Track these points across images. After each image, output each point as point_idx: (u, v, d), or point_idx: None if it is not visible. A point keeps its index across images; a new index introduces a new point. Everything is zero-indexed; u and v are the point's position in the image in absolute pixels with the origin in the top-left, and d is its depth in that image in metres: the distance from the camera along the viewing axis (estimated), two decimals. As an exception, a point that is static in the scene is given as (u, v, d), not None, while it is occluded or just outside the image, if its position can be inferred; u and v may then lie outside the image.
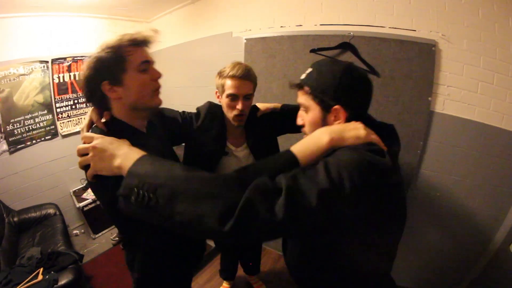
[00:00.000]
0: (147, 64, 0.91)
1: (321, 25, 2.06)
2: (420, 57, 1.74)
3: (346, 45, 1.89)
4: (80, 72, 0.92)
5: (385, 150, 0.71)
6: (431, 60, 1.73)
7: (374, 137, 0.74)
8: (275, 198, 0.57)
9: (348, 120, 0.79)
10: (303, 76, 0.85)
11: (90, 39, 3.07)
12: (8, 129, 2.64)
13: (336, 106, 0.78)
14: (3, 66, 2.57)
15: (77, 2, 2.55)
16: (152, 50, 2.98)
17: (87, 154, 0.77)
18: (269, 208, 0.56)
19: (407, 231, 1.98)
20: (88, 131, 0.93)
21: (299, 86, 0.85)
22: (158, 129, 1.16)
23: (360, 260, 0.76)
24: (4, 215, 2.54)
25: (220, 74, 1.31)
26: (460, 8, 1.67)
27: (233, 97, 1.29)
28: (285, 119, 1.45)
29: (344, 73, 0.78)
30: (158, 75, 0.95)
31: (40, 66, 2.77)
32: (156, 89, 0.95)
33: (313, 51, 1.99)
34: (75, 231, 3.03)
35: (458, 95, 1.74)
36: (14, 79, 2.64)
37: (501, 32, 1.61)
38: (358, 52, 1.86)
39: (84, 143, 0.78)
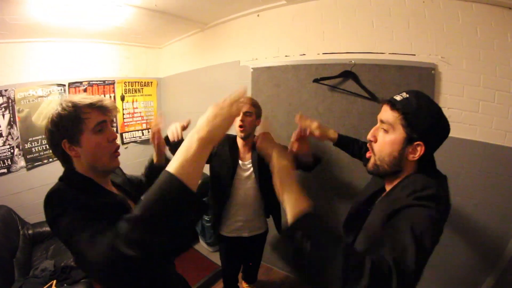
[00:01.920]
0: (103, 124, 0.93)
1: (323, 53, 2.14)
2: (420, 82, 1.78)
3: (348, 73, 1.96)
4: (44, 126, 0.93)
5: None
6: (430, 84, 1.76)
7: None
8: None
9: (420, 157, 0.83)
10: (398, 98, 0.85)
11: (105, 64, 3.24)
12: (26, 147, 2.78)
13: (419, 142, 0.81)
14: (23, 88, 2.72)
15: (93, 29, 2.71)
16: (163, 75, 3.15)
17: None
18: None
19: None
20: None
21: (393, 105, 0.86)
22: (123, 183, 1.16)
23: None
24: (19, 227, 2.64)
25: None
26: (458, 28, 1.70)
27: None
28: None
29: (441, 116, 0.84)
30: (113, 136, 0.96)
31: (57, 89, 2.92)
32: (114, 151, 0.97)
33: (316, 81, 2.07)
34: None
35: (459, 116, 1.74)
36: (33, 100, 2.79)
37: (500, 48, 1.63)
38: (359, 80, 1.93)
39: None
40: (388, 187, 0.95)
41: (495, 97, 1.66)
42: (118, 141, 3.29)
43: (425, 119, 0.81)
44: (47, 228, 2.76)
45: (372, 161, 0.92)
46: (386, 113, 0.87)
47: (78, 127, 0.89)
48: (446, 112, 1.68)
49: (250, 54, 2.59)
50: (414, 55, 1.81)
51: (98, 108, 0.92)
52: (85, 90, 3.11)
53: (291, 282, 2.57)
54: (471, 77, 1.70)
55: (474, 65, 1.68)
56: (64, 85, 2.96)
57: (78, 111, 0.89)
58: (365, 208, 1.04)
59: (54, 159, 2.92)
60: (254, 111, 1.80)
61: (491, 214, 1.74)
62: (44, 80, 2.85)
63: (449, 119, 1.71)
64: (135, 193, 1.14)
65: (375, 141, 0.90)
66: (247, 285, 2.42)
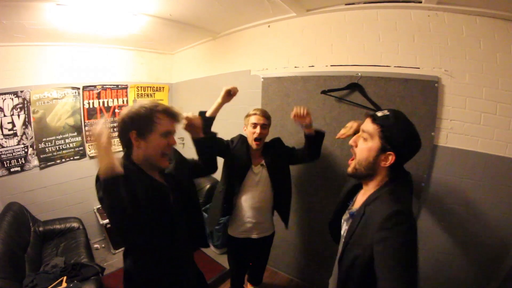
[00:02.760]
0: (169, 133, 1.17)
1: (331, 66, 2.19)
2: (424, 94, 1.82)
3: (354, 85, 2.02)
4: (120, 114, 1.18)
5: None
6: (434, 96, 1.80)
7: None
8: None
9: (391, 166, 0.99)
10: (379, 114, 1.02)
11: (118, 69, 3.35)
12: (40, 147, 2.88)
13: (391, 152, 0.97)
14: (38, 89, 2.82)
15: (107, 35, 2.81)
16: (175, 81, 3.22)
17: None
18: None
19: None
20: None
21: (374, 118, 1.02)
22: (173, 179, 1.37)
23: None
24: (31, 224, 2.71)
25: (247, 114, 1.97)
26: (462, 42, 1.73)
27: (254, 125, 1.90)
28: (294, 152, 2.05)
29: (414, 132, 1.00)
30: (173, 142, 1.20)
31: (72, 91, 3.03)
32: (166, 154, 1.19)
33: (324, 92, 2.13)
34: (96, 245, 3.18)
35: (461, 128, 1.77)
36: (48, 102, 2.89)
37: (502, 61, 1.65)
38: (366, 92, 1.99)
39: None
40: (364, 187, 1.13)
41: (497, 109, 1.68)
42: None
43: (398, 134, 0.97)
44: (58, 226, 2.88)
45: (352, 165, 1.08)
46: (368, 125, 1.03)
47: (149, 126, 1.13)
48: (448, 124, 1.86)
49: (261, 64, 2.64)
50: (419, 68, 1.85)
51: (169, 115, 1.17)
52: (98, 94, 3.21)
53: (294, 286, 2.62)
54: (473, 90, 1.73)
55: (477, 78, 1.71)
56: (79, 88, 3.07)
57: (152, 114, 1.13)
58: (345, 202, 1.27)
59: (67, 159, 3.04)
60: (268, 123, 1.95)
61: (492, 224, 1.76)
62: (59, 82, 2.95)
63: (451, 131, 1.82)
64: (188, 174, 1.47)
65: (356, 146, 1.07)
66: (252, 287, 2.47)
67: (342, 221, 1.21)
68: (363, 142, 1.04)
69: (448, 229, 1.89)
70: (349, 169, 1.10)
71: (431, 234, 1.94)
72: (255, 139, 1.91)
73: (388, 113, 1.01)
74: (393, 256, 0.85)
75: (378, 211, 0.95)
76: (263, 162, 1.98)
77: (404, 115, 1.03)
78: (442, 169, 1.86)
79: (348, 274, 1.05)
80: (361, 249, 0.98)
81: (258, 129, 1.88)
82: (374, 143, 1.00)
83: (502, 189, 1.72)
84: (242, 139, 2.01)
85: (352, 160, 1.09)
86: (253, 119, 1.91)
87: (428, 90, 1.82)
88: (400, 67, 1.92)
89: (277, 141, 2.08)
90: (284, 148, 2.08)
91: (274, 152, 2.01)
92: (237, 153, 1.96)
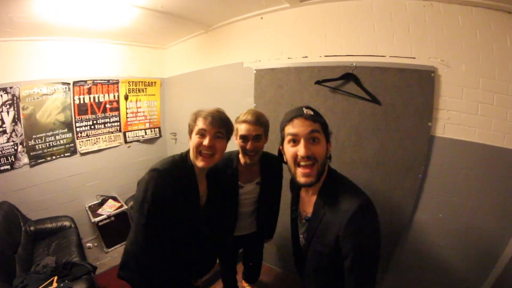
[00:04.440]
0: (203, 131, 1.25)
1: (325, 56, 2.16)
2: (420, 84, 1.80)
3: (349, 75, 1.98)
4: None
5: None
6: (430, 86, 1.78)
7: None
8: None
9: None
10: (312, 113, 1.02)
11: (109, 64, 3.28)
12: (30, 144, 2.81)
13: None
14: (28, 85, 2.75)
15: (99, 29, 2.75)
16: (167, 76, 3.18)
17: None
18: None
19: (412, 253, 1.97)
20: None
21: (315, 119, 1.02)
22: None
23: None
24: (21, 224, 2.66)
25: (236, 120, 1.57)
26: (458, 32, 1.71)
27: (244, 138, 1.54)
28: None
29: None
30: (206, 143, 1.24)
31: (62, 87, 2.96)
32: (200, 152, 1.26)
33: (318, 82, 2.09)
34: (88, 244, 3.13)
35: (458, 118, 1.75)
36: (37, 98, 2.82)
37: (499, 52, 1.63)
38: (361, 82, 1.95)
39: None
40: (306, 189, 1.17)
41: (494, 100, 1.67)
42: (121, 139, 3.40)
43: (324, 121, 1.05)
44: (49, 225, 2.83)
45: (315, 171, 1.01)
46: (313, 127, 1.00)
47: (191, 127, 1.30)
48: (445, 114, 1.79)
49: (254, 56, 2.61)
50: (414, 58, 1.83)
51: (204, 118, 1.25)
52: (89, 89, 3.15)
53: (290, 281, 2.58)
54: (470, 80, 1.71)
55: (473, 68, 1.69)
56: (69, 84, 3.00)
57: (194, 117, 1.29)
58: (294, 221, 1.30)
59: (58, 156, 2.99)
60: (263, 132, 1.57)
61: (489, 215, 1.75)
62: (49, 78, 2.88)
63: (448, 121, 1.80)
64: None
65: (314, 154, 1.00)
66: (247, 285, 2.42)
67: (300, 235, 1.23)
68: (317, 147, 1.03)
69: (446, 222, 1.87)
70: (311, 179, 1.01)
71: (429, 227, 1.93)
72: (247, 153, 1.55)
73: (308, 109, 1.06)
74: (366, 249, 0.95)
75: (342, 207, 0.98)
76: (259, 180, 1.71)
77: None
78: (440, 160, 1.84)
79: (316, 270, 1.13)
80: (324, 246, 1.03)
81: (249, 145, 1.52)
82: (323, 142, 1.03)
83: (500, 180, 1.70)
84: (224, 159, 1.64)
85: (312, 168, 1.00)
86: (242, 130, 1.52)
87: (424, 80, 1.80)
88: (395, 57, 1.89)
89: (279, 164, 1.78)
90: (280, 174, 1.82)
91: (272, 172, 1.76)
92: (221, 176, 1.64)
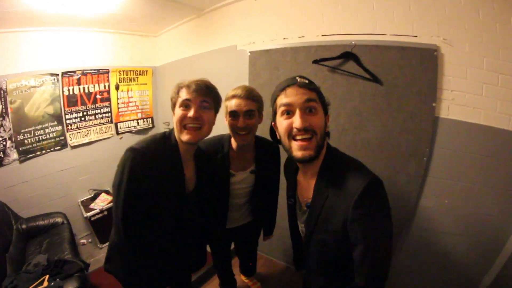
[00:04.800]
0: (187, 101, 1.11)
1: (322, 35, 2.08)
2: (423, 63, 1.73)
3: (348, 54, 1.90)
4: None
5: None
6: (433, 65, 1.71)
7: None
8: None
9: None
10: (306, 81, 0.90)
11: (99, 53, 3.17)
12: (19, 139, 2.72)
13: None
14: (15, 78, 2.66)
15: (86, 16, 2.64)
16: (159, 64, 3.06)
17: None
18: None
19: (417, 241, 1.92)
20: None
21: (310, 87, 0.92)
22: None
23: None
24: (13, 222, 2.59)
25: (225, 98, 1.40)
26: (460, 10, 1.65)
27: (234, 115, 1.37)
28: None
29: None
30: (191, 114, 1.10)
31: (50, 78, 2.85)
32: (185, 125, 1.12)
33: (315, 62, 2.00)
34: (82, 240, 3.05)
35: (463, 99, 1.70)
36: (25, 91, 2.73)
37: (502, 32, 1.58)
38: (360, 61, 1.87)
39: None
40: (304, 171, 1.05)
41: (499, 80, 1.62)
42: (113, 131, 3.31)
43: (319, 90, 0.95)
44: (41, 222, 2.76)
45: (314, 144, 0.89)
46: (309, 96, 0.90)
47: (174, 100, 1.16)
48: (449, 94, 1.73)
49: (248, 38, 2.54)
50: (416, 36, 1.76)
51: (187, 87, 1.12)
52: (78, 80, 3.04)
53: (291, 273, 2.51)
54: (474, 60, 1.65)
55: (477, 48, 1.64)
56: (57, 75, 2.90)
57: (177, 88, 1.15)
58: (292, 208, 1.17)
59: (48, 150, 2.90)
60: (256, 107, 1.41)
61: (496, 200, 1.70)
62: (36, 69, 2.79)
63: (452, 102, 1.73)
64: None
65: (311, 127, 0.89)
66: (245, 278, 2.35)
67: (301, 225, 1.09)
68: (314, 118, 0.91)
69: (452, 208, 1.81)
70: (310, 152, 0.89)
71: (434, 214, 1.87)
72: (238, 132, 1.38)
73: (302, 78, 0.96)
74: (379, 233, 0.83)
75: (347, 187, 0.85)
76: (253, 168, 1.56)
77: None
78: (445, 142, 1.78)
79: (320, 262, 1.00)
80: (328, 234, 0.91)
81: (240, 122, 1.35)
82: (321, 112, 0.93)
83: (507, 164, 1.65)
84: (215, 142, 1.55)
85: (310, 141, 0.89)
86: (232, 105, 1.36)
87: (427, 59, 1.72)
88: (396, 35, 1.82)
89: (276, 151, 1.65)
90: (278, 163, 1.68)
91: (268, 160, 1.61)
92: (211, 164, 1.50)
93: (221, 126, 1.44)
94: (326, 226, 0.91)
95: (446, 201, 1.82)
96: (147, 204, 1.08)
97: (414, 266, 1.99)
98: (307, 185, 1.02)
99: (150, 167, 1.07)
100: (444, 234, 1.86)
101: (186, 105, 1.10)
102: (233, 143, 1.49)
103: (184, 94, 1.11)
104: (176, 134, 1.16)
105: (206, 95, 1.13)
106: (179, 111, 1.11)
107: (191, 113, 1.09)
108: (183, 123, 1.11)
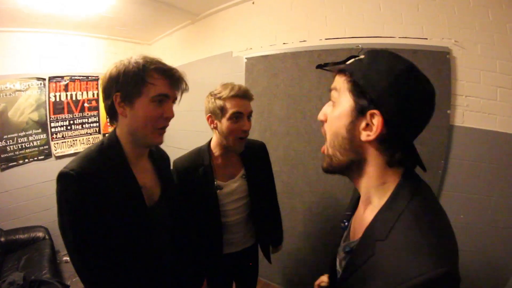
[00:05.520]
0: (164, 97, 0.88)
1: (326, 39, 2.00)
2: (435, 67, 1.64)
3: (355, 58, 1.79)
4: (106, 71, 0.89)
5: None
6: (446, 69, 1.63)
7: None
8: None
9: (384, 138, 0.56)
10: (350, 61, 0.62)
11: (89, 59, 3.05)
12: (0, 145, 2.55)
13: (374, 111, 0.55)
14: (0, 80, 2.52)
15: (76, 19, 2.54)
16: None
17: None
18: None
19: None
20: None
21: (340, 70, 0.63)
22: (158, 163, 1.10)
23: None
24: (-9, 234, 2.42)
25: (216, 96, 1.23)
26: (470, 12, 1.61)
27: (238, 116, 1.21)
28: None
29: (406, 72, 0.55)
30: (170, 114, 0.91)
31: (37, 83, 2.71)
32: (161, 128, 0.91)
33: (319, 66, 1.87)
34: (65, 258, 2.82)
35: (478, 105, 1.63)
36: (10, 94, 2.58)
37: None
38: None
39: None
40: (364, 196, 0.66)
41: None
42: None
43: (379, 76, 0.55)
44: (21, 236, 2.57)
45: (325, 152, 0.66)
46: (335, 81, 0.64)
47: (138, 88, 0.84)
48: (463, 100, 1.61)
49: (244, 44, 2.44)
50: (426, 39, 1.69)
51: (168, 76, 0.89)
52: (66, 86, 2.90)
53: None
54: (487, 62, 1.59)
55: (489, 50, 1.58)
56: (44, 79, 2.76)
57: (145, 72, 0.84)
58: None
59: (31, 159, 2.71)
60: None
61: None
62: (22, 73, 2.66)
63: (467, 108, 1.61)
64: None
65: (326, 120, 0.66)
66: None
67: (337, 262, 0.75)
68: (332, 110, 0.64)
69: (468, 223, 1.70)
70: (323, 163, 0.67)
71: None
72: (242, 136, 1.26)
73: (363, 56, 0.61)
74: None
75: (395, 261, 0.50)
76: (243, 172, 1.39)
77: (392, 52, 0.59)
78: (460, 153, 1.68)
79: None
80: None
81: (246, 125, 1.23)
82: (345, 105, 0.59)
83: None
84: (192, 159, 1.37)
85: (324, 147, 0.67)
86: (235, 106, 1.21)
87: (439, 62, 1.64)
88: (406, 37, 1.75)
89: (263, 149, 1.53)
90: (267, 162, 1.55)
91: (257, 160, 1.46)
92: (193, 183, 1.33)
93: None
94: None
95: (461, 216, 1.70)
96: (107, 238, 0.84)
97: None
98: (360, 220, 0.68)
99: (93, 191, 0.82)
100: (461, 251, 1.70)
101: (160, 100, 0.89)
102: (216, 151, 1.33)
103: (161, 85, 0.89)
104: (140, 135, 0.90)
105: (179, 89, 0.98)
106: (150, 107, 0.88)
107: (168, 112, 0.91)
108: (156, 124, 0.90)
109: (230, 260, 1.47)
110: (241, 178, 1.37)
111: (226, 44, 2.59)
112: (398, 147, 0.57)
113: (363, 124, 0.57)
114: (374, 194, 0.62)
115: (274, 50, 2.20)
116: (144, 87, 0.84)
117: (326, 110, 0.66)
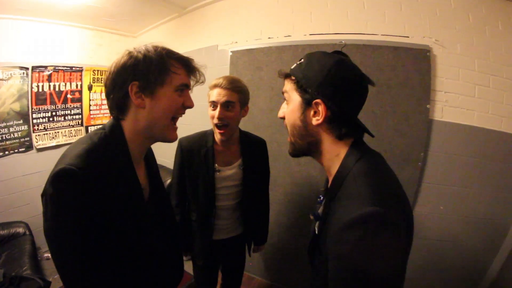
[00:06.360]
0: (185, 87, 0.86)
1: (310, 34, 2.03)
2: (416, 64, 1.70)
3: (338, 53, 1.82)
4: (117, 59, 0.81)
5: None
6: (427, 66, 1.69)
7: None
8: None
9: (330, 119, 0.70)
10: (293, 66, 0.79)
11: (73, 50, 2.98)
12: (-20, 137, 2.46)
13: (317, 100, 0.70)
14: (-19, 69, 2.42)
15: (62, 8, 2.47)
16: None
17: None
18: None
19: (413, 252, 1.85)
20: None
21: (287, 75, 0.79)
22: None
23: None
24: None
25: (209, 87, 1.33)
26: (451, 13, 1.69)
27: (213, 105, 1.31)
28: None
29: (335, 65, 0.70)
30: (190, 104, 0.88)
31: (19, 72, 2.62)
32: (176, 118, 0.88)
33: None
34: (46, 254, 2.75)
35: (456, 100, 1.71)
36: (-9, 84, 2.48)
37: (492, 35, 1.63)
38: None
39: None
40: (327, 174, 0.83)
41: (490, 82, 1.66)
42: (83, 134, 3.06)
43: (315, 73, 0.71)
44: (1, 232, 2.48)
45: (288, 140, 0.83)
46: (285, 85, 0.81)
47: (161, 77, 0.80)
48: (443, 96, 1.68)
49: (230, 37, 2.46)
50: (408, 37, 1.76)
51: (187, 66, 0.86)
52: (49, 76, 2.82)
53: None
54: (466, 61, 1.68)
55: (468, 49, 1.67)
56: (27, 69, 2.66)
57: (167, 60, 0.81)
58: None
59: (11, 151, 2.63)
60: (237, 99, 1.32)
61: (491, 203, 1.71)
62: (5, 61, 2.55)
63: (446, 104, 1.68)
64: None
65: (284, 117, 0.82)
66: None
67: (316, 230, 0.85)
68: (287, 107, 0.80)
69: (448, 213, 1.78)
70: (289, 149, 0.84)
71: (429, 221, 1.82)
72: (216, 126, 1.33)
73: (302, 60, 0.77)
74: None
75: (341, 209, 0.63)
76: (240, 161, 1.46)
77: (323, 52, 0.77)
78: (439, 146, 1.75)
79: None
80: (320, 262, 0.75)
81: (217, 111, 1.28)
82: (295, 101, 0.76)
83: (500, 166, 1.68)
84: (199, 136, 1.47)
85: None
86: (213, 95, 1.30)
87: (420, 59, 1.71)
88: (388, 35, 1.80)
89: (262, 145, 1.59)
90: (265, 158, 1.61)
91: (255, 154, 1.52)
92: (194, 164, 1.41)
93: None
94: (323, 246, 0.72)
95: (441, 207, 1.77)
96: (104, 242, 0.76)
97: (410, 277, 1.89)
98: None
99: (97, 191, 0.73)
100: (441, 241, 1.81)
101: (182, 89, 0.86)
102: (217, 136, 1.40)
103: (183, 74, 0.87)
104: (158, 128, 0.85)
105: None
106: (174, 97, 0.84)
107: (190, 101, 0.89)
108: (174, 115, 0.87)
109: (218, 247, 1.52)
110: (238, 167, 1.45)
111: (212, 37, 2.59)
112: (343, 124, 0.71)
113: (311, 113, 0.72)
114: (332, 165, 0.76)
115: (259, 44, 2.22)
116: (167, 76, 0.80)
117: (283, 108, 0.82)
